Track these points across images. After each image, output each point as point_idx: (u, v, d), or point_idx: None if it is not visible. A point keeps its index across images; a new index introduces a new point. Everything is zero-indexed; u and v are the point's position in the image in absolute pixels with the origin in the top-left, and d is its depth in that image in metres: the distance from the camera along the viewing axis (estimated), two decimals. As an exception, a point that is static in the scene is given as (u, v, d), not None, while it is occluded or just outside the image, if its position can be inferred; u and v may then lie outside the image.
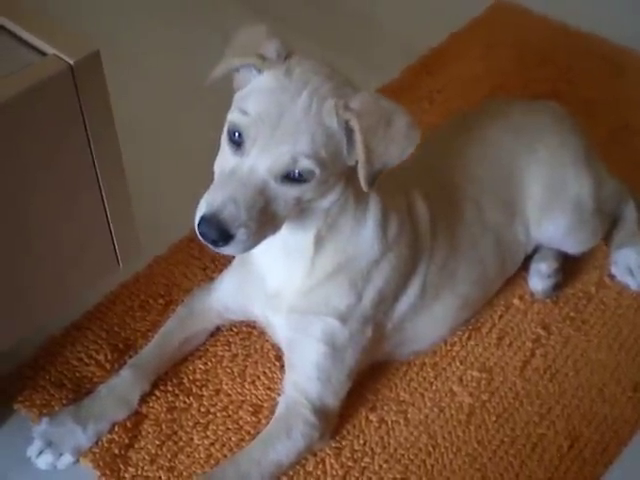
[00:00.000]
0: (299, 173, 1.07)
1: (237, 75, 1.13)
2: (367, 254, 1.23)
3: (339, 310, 1.24)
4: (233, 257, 1.42)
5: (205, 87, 1.14)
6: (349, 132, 1.08)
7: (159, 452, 1.28)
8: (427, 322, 1.36)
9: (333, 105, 1.06)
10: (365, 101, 1.08)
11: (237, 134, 1.08)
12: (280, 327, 1.30)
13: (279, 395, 1.32)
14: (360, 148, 1.06)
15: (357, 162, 1.09)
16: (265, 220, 1.08)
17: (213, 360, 1.40)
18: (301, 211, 1.15)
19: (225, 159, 1.11)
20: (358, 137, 1.06)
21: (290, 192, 1.08)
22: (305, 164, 1.06)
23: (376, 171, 1.09)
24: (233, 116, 1.09)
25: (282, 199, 1.09)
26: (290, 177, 1.07)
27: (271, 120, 1.05)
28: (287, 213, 1.11)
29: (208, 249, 1.58)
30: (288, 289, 1.26)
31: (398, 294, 1.30)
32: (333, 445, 1.29)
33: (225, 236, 1.06)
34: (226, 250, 1.10)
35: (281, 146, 1.05)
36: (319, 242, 1.20)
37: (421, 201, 1.33)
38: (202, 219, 1.07)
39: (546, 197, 1.44)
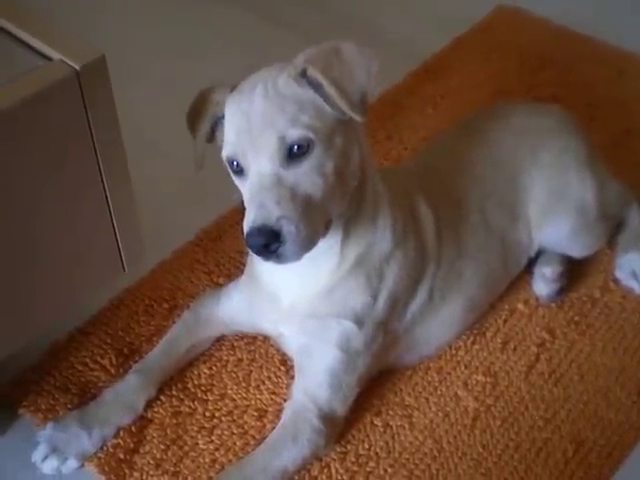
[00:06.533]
0: (297, 146, 1.09)
1: (217, 136, 1.20)
2: (380, 244, 1.25)
3: (356, 311, 1.25)
4: (239, 262, 1.42)
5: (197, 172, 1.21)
6: (315, 87, 1.10)
7: (164, 457, 1.28)
8: (435, 325, 1.36)
9: (285, 75, 1.10)
10: (307, 52, 1.12)
11: (235, 163, 1.13)
12: (292, 335, 1.29)
13: (284, 400, 1.33)
14: (330, 89, 1.09)
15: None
16: (303, 208, 1.09)
17: (218, 365, 1.40)
18: (341, 189, 1.15)
19: (242, 191, 1.14)
20: (321, 80, 1.09)
21: (305, 168, 1.10)
22: (293, 133, 1.08)
23: (358, 100, 1.10)
24: (224, 152, 1.15)
25: (305, 179, 1.10)
26: (293, 156, 1.09)
27: (246, 128, 1.10)
28: (323, 193, 1.11)
29: (212, 253, 1.57)
30: (307, 296, 1.26)
31: (409, 298, 1.30)
32: (338, 450, 1.29)
33: (272, 235, 1.07)
34: (287, 249, 1.08)
35: (264, 137, 1.08)
36: (346, 230, 1.22)
37: (425, 205, 1.33)
38: (247, 237, 1.08)
39: (549, 200, 1.45)
